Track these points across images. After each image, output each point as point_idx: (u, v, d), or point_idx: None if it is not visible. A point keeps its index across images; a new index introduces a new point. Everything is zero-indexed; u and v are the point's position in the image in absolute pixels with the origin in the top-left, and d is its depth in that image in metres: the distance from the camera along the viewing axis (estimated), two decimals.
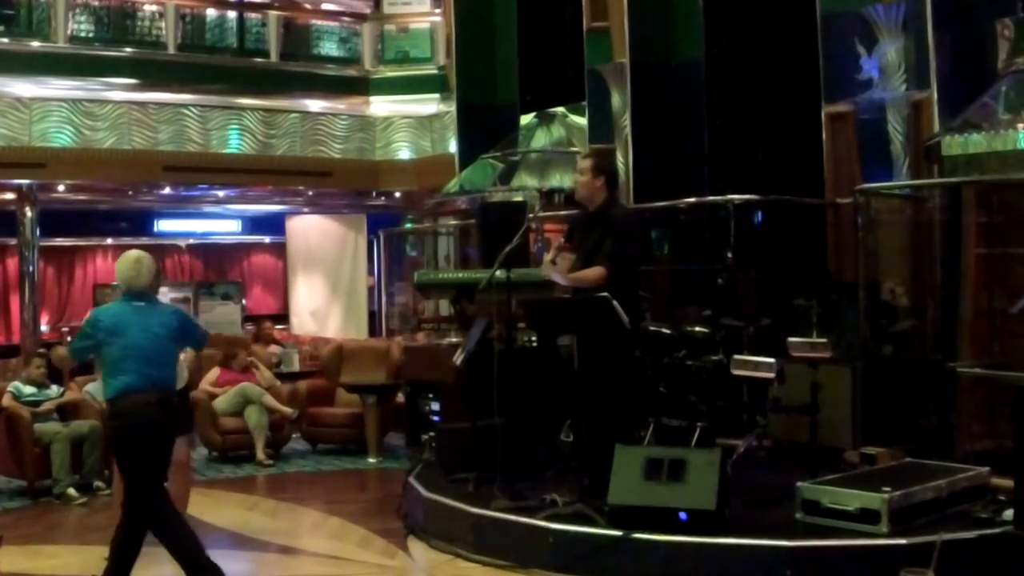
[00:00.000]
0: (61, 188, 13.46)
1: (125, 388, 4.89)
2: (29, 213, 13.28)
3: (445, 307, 10.21)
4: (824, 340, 6.22)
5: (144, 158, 12.95)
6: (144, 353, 4.95)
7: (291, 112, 13.94)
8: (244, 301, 16.11)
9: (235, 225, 17.78)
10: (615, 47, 9.56)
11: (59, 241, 16.50)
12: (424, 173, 13.89)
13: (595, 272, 5.76)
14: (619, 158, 9.36)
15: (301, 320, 16.06)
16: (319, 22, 14.34)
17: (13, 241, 14.06)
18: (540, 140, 11.60)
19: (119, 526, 5.00)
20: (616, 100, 9.51)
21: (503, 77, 12.14)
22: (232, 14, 13.64)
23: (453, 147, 12.54)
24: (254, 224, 17.71)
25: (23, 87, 12.38)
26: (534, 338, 7.56)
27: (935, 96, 7.06)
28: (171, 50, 12.95)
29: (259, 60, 13.60)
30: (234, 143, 13.63)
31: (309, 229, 16.11)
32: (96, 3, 12.67)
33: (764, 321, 6.76)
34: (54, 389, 8.41)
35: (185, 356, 5.68)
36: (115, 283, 5.41)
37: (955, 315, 6.78)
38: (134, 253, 5.23)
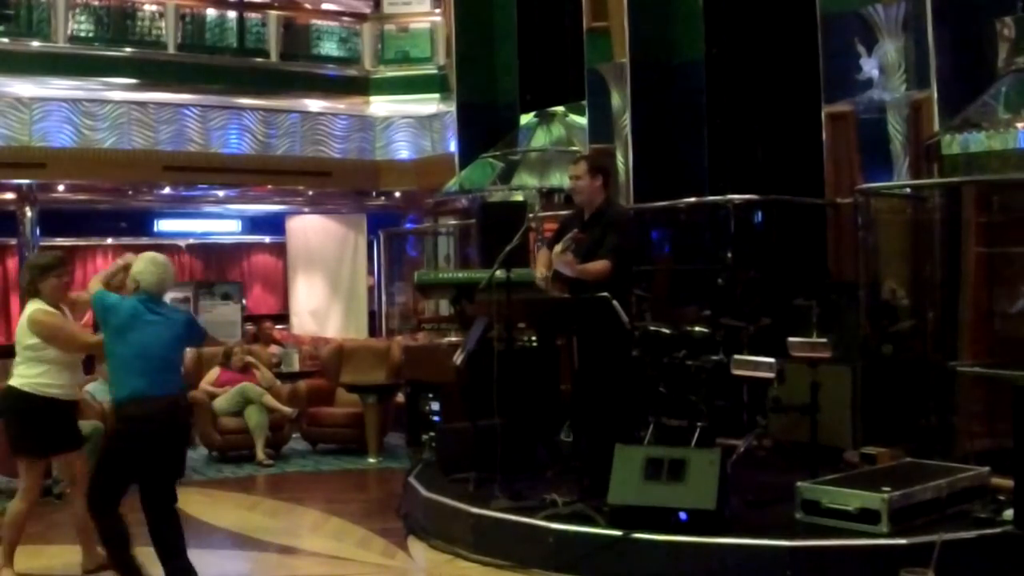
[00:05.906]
0: (61, 188, 13.46)
1: (137, 393, 4.92)
2: (29, 213, 13.28)
3: (445, 307, 10.20)
4: (824, 340, 6.20)
5: (144, 158, 12.95)
6: (157, 359, 4.97)
7: (291, 112, 13.96)
8: (244, 301, 16.04)
9: (235, 225, 17.75)
10: (615, 47, 9.57)
11: (59, 241, 16.42)
12: (424, 173, 13.89)
13: (600, 265, 5.76)
14: (619, 158, 9.36)
15: (301, 320, 16.03)
16: (319, 22, 14.34)
17: (13, 241, 14.06)
18: (540, 139, 11.60)
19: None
20: (616, 100, 9.51)
21: (503, 77, 12.15)
22: (232, 14, 13.63)
23: (453, 147, 12.54)
24: (254, 224, 17.68)
25: (23, 87, 12.38)
26: (534, 338, 7.56)
27: (935, 96, 7.06)
28: (171, 50, 12.94)
29: (259, 60, 13.59)
30: (234, 143, 13.63)
31: (309, 229, 16.08)
32: (96, 3, 12.68)
33: (764, 321, 6.75)
34: None
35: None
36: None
37: (955, 315, 6.77)
38: (160, 257, 5.20)
